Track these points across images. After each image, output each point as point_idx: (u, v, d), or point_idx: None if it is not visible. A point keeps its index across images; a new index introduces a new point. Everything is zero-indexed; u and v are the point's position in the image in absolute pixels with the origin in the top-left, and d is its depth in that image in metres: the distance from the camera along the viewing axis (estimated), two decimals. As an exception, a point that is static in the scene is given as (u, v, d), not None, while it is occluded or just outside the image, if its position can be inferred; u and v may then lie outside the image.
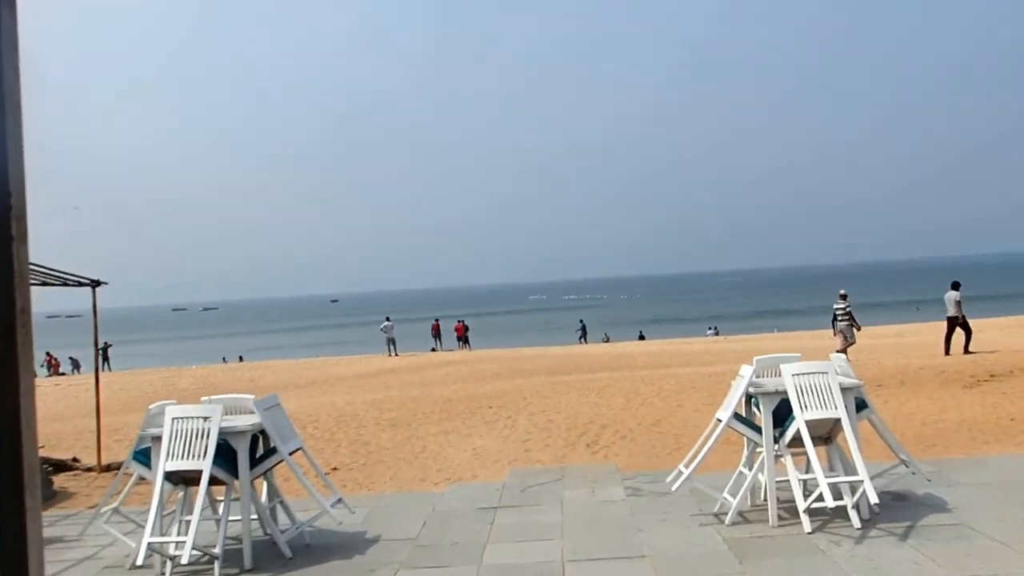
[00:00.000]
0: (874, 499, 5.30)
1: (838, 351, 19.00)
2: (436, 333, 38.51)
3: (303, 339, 78.33)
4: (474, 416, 11.89)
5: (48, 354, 44.68)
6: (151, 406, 5.85)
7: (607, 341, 42.08)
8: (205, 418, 5.38)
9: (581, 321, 43.87)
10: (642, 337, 43.41)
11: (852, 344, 19.17)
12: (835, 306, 19.41)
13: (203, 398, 6.05)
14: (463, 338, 38.73)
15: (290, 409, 13.89)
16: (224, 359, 43.45)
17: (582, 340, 41.48)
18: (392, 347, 33.13)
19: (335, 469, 9.02)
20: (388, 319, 34.54)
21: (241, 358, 42.73)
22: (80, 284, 8.89)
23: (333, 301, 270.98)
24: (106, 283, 9.11)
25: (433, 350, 37.24)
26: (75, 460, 9.80)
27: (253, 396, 5.91)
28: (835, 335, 19.45)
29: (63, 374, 41.42)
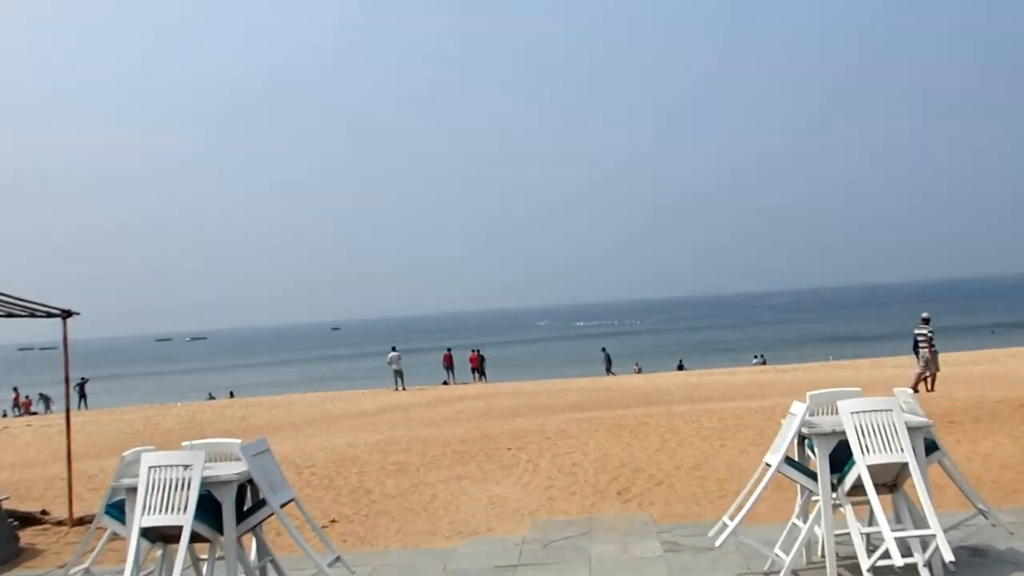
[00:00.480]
0: (948, 555, 5.16)
1: (918, 379, 18.91)
2: (448, 364, 38.49)
3: (300, 372, 78.59)
4: (491, 459, 11.82)
5: (15, 391, 45.02)
6: (125, 453, 5.83)
7: (639, 372, 41.93)
8: (186, 467, 5.34)
9: (604, 350, 43.66)
10: (681, 367, 43.27)
11: (935, 373, 19.09)
12: (916, 331, 19.37)
13: (184, 443, 6.03)
14: (479, 370, 38.73)
15: (285, 451, 13.95)
16: (212, 395, 43.65)
17: (609, 372, 41.43)
18: (399, 380, 33.21)
19: (333, 522, 8.97)
20: (394, 349, 34.63)
21: (232, 394, 42.92)
22: (49, 315, 8.95)
23: (334, 329, 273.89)
24: (78, 313, 9.17)
25: (445, 383, 37.22)
26: (44, 512, 9.80)
27: (239, 440, 5.87)
28: (918, 363, 19.40)
29: (34, 413, 41.79)
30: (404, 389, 32.59)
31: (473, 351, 39.79)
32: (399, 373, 33.25)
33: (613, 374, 40.51)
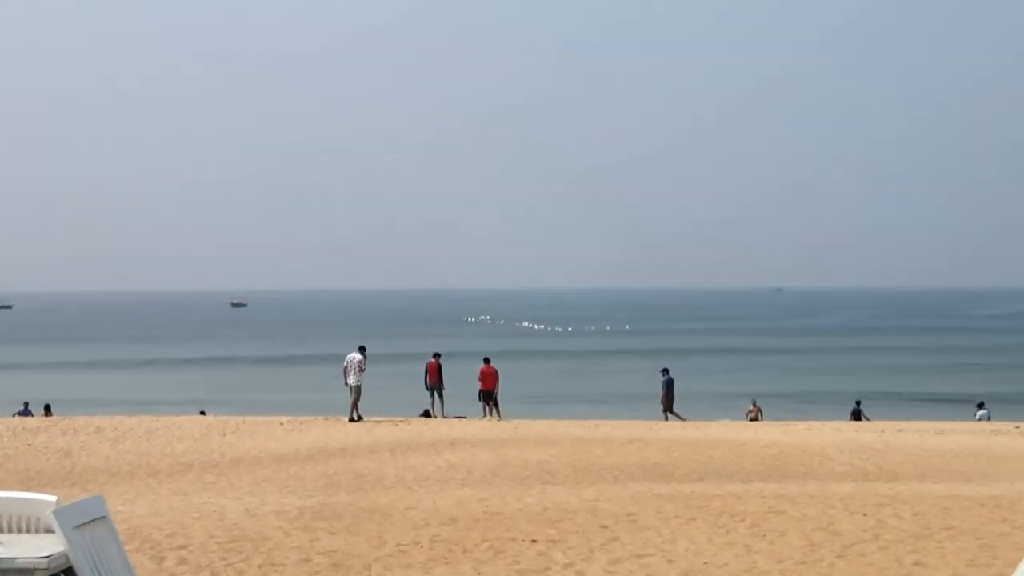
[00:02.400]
0: None
1: None
2: (435, 381, 38.20)
3: (173, 377, 79.29)
4: (500, 557, 11.80)
5: None
6: None
7: (757, 417, 41.83)
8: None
9: (666, 372, 43.10)
10: (858, 415, 43.10)
11: None
12: None
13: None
14: (491, 395, 38.18)
15: (137, 518, 13.95)
16: (27, 409, 43.89)
17: (668, 412, 40.91)
18: (353, 404, 33.03)
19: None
20: (362, 350, 34.49)
21: (48, 409, 43.21)
22: None
23: (236, 305, 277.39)
24: None
25: (427, 414, 37.12)
26: None
27: (54, 498, 5.82)
28: None
29: None
30: (358, 418, 32.48)
31: (486, 361, 39.39)
32: (355, 391, 33.03)
33: (677, 415, 40.12)
